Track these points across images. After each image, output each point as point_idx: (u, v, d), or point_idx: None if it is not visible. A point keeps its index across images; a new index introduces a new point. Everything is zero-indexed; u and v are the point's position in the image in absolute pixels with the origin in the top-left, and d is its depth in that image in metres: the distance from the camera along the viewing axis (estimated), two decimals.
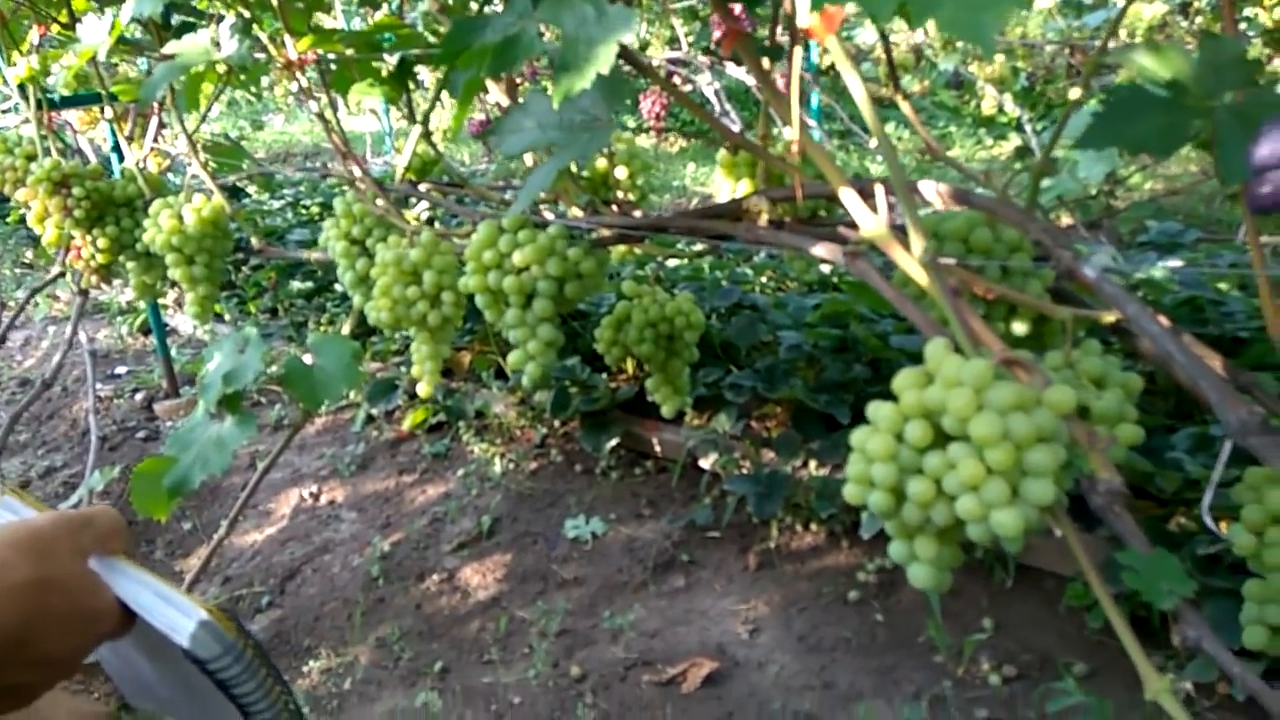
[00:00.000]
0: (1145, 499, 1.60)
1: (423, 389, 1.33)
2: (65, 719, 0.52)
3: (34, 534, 0.44)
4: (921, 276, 0.69)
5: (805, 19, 0.68)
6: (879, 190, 0.74)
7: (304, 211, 4.65)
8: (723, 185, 1.24)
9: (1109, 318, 0.82)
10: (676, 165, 6.05)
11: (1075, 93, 0.93)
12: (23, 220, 5.41)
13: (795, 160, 0.77)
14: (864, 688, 1.43)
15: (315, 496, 2.23)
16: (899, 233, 0.72)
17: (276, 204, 4.77)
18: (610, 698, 1.45)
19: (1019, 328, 0.96)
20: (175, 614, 0.44)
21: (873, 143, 3.03)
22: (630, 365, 2.47)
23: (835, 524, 1.78)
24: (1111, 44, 0.83)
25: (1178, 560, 0.65)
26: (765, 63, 0.91)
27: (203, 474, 1.29)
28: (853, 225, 0.82)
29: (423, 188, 1.41)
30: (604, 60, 0.60)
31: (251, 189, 5.00)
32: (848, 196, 0.73)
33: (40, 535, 0.44)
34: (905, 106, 1.09)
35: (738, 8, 1.12)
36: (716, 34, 2.14)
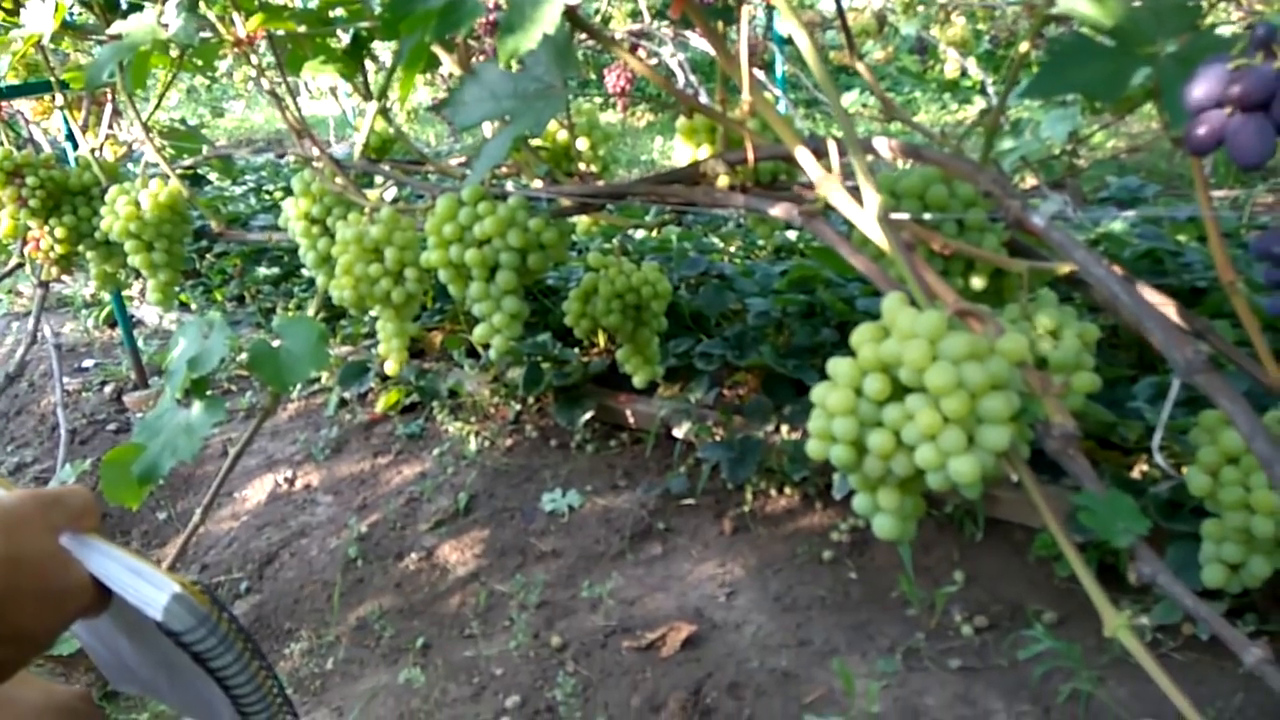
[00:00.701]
0: (1110, 449, 1.63)
1: (390, 367, 1.33)
2: (39, 698, 0.52)
3: (4, 511, 0.44)
4: (876, 232, 0.70)
5: None
6: (832, 148, 0.75)
7: (267, 197, 4.59)
8: (683, 151, 1.24)
9: (1065, 269, 0.83)
10: (644, 139, 6.03)
11: (1024, 46, 0.94)
12: None
13: (748, 121, 0.78)
14: (839, 644, 1.45)
15: (290, 481, 2.22)
16: (854, 191, 0.72)
17: (238, 190, 4.71)
18: (591, 664, 1.46)
19: (977, 282, 0.97)
20: (148, 588, 0.44)
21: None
22: (601, 339, 2.47)
23: (808, 486, 1.80)
24: None
25: (1133, 500, 0.66)
26: (720, 27, 0.91)
27: (172, 460, 1.28)
28: (805, 186, 0.82)
29: (384, 166, 1.40)
30: (548, 19, 0.60)
31: (213, 176, 4.93)
32: (802, 155, 0.73)
33: (9, 512, 0.44)
34: (862, 68, 1.09)
35: None
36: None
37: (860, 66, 1.09)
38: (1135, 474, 1.57)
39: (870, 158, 0.81)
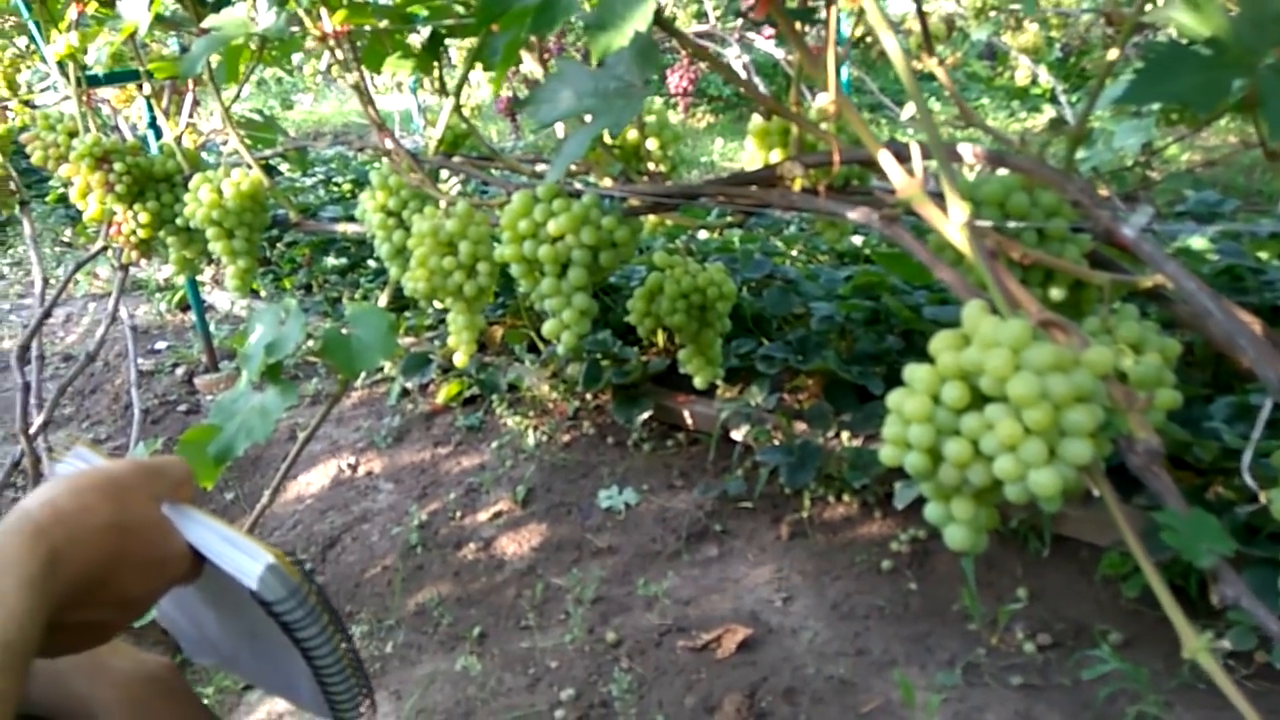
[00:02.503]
0: (1184, 469, 1.59)
1: (459, 359, 1.34)
2: (130, 665, 0.54)
3: (113, 479, 0.46)
4: (959, 240, 0.69)
5: None
6: (915, 152, 0.74)
7: (336, 188, 4.68)
8: (755, 154, 1.24)
9: (1147, 282, 0.81)
10: (704, 140, 6.02)
11: (1113, 54, 0.92)
12: (61, 199, 5.50)
13: (831, 123, 0.77)
14: (897, 655, 1.43)
15: (353, 468, 2.26)
16: (936, 197, 0.72)
17: (309, 181, 4.81)
18: (646, 662, 1.47)
19: (1055, 293, 0.95)
20: (243, 558, 0.46)
21: (904, 115, 3.00)
22: (661, 338, 2.47)
23: (868, 494, 1.79)
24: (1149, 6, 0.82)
25: (1216, 520, 0.65)
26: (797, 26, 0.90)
27: (247, 442, 1.32)
28: (889, 192, 0.82)
29: (455, 160, 1.42)
30: (641, 17, 0.60)
31: (284, 167, 5.04)
32: (885, 159, 0.72)
33: (119, 481, 0.46)
34: (941, 74, 1.08)
35: None
36: (745, 4, 2.13)
37: (939, 71, 1.08)
38: (1210, 495, 1.53)
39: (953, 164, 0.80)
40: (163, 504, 0.48)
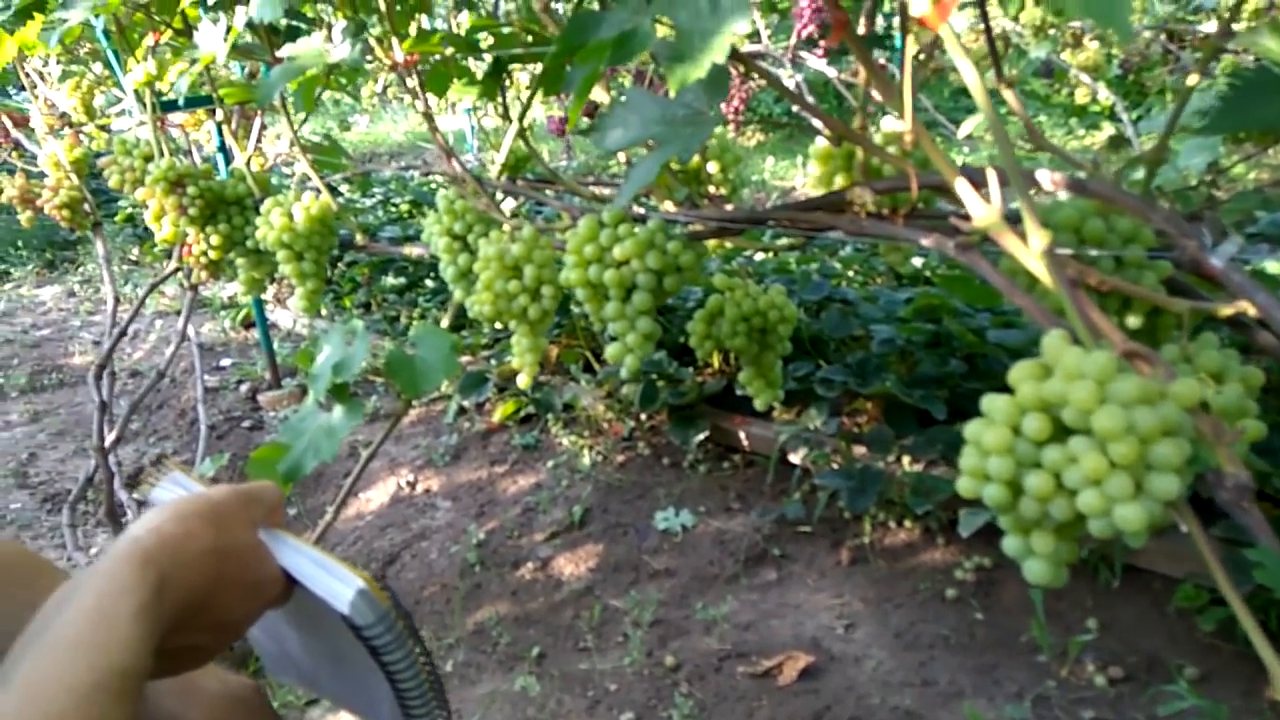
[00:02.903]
0: (1262, 500, 1.54)
1: (522, 380, 1.36)
2: (218, 686, 0.55)
3: (214, 506, 0.47)
4: (1039, 268, 0.68)
5: (919, 7, 0.68)
6: (992, 179, 0.73)
7: (394, 209, 4.77)
8: (817, 176, 1.24)
9: (1227, 310, 0.79)
10: (755, 159, 6.02)
11: (1193, 79, 0.90)
12: (129, 219, 5.65)
13: (907, 151, 0.77)
14: (965, 686, 1.41)
15: (411, 485, 2.29)
16: (1011, 222, 0.71)
17: (368, 202, 4.90)
18: (706, 688, 1.46)
19: (1132, 321, 0.93)
20: (335, 582, 0.47)
21: (960, 132, 2.96)
22: (716, 359, 2.47)
23: (930, 521, 1.76)
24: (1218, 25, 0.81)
25: None
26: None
27: (315, 460, 1.34)
28: (960, 217, 0.81)
29: (519, 184, 1.44)
30: (719, 50, 0.60)
31: (344, 187, 5.15)
32: (961, 187, 0.72)
33: (219, 507, 0.48)
34: (1009, 95, 1.07)
35: None
36: (800, 26, 2.12)
37: (1009, 96, 1.07)
38: None
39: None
40: (259, 529, 0.49)
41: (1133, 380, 0.61)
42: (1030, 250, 0.69)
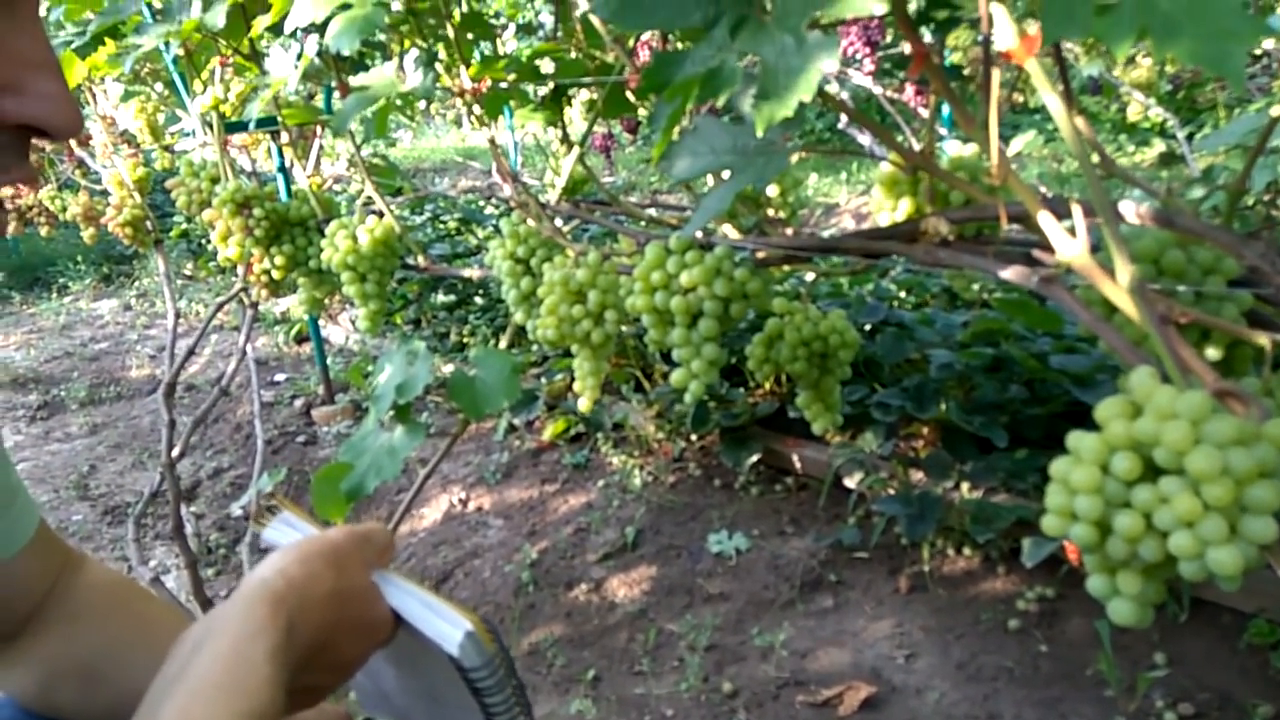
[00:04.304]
0: None
1: (583, 404, 1.36)
2: (313, 715, 0.56)
3: (334, 548, 0.48)
4: (1127, 304, 0.67)
5: (1005, 42, 0.68)
6: (1077, 213, 0.73)
7: (442, 226, 4.83)
8: (882, 202, 1.23)
9: None
10: (798, 176, 6.01)
11: (1277, 109, 0.89)
12: (184, 234, 5.77)
13: (996, 184, 0.76)
14: None
15: (464, 503, 2.31)
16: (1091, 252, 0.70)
17: (418, 219, 4.97)
18: (764, 716, 1.45)
19: (1212, 353, 0.91)
20: (444, 625, 0.47)
21: (1009, 151, 2.94)
22: (769, 381, 2.46)
23: (991, 549, 1.73)
24: None
25: None
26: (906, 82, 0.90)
27: (377, 480, 1.36)
28: (1039, 246, 0.80)
29: (580, 209, 1.45)
30: (806, 88, 0.60)
31: (394, 205, 5.21)
32: (1045, 220, 0.71)
33: (339, 549, 0.49)
34: (1082, 123, 1.05)
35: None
36: (847, 43, 2.11)
37: (1081, 123, 1.06)
38: None
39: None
40: (371, 570, 0.50)
41: (1228, 420, 0.60)
42: (1118, 285, 0.68)
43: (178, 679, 0.40)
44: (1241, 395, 0.67)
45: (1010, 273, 0.80)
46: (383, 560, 0.51)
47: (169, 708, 0.38)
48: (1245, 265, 0.74)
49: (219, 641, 0.41)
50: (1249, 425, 0.62)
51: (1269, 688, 1.38)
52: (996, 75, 0.71)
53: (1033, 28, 0.67)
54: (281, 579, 0.44)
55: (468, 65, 1.31)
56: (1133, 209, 0.76)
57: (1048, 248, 0.76)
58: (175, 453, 2.02)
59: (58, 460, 3.07)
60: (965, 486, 1.81)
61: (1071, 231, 0.76)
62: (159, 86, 2.99)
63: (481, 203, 5.12)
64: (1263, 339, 0.81)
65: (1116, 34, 0.46)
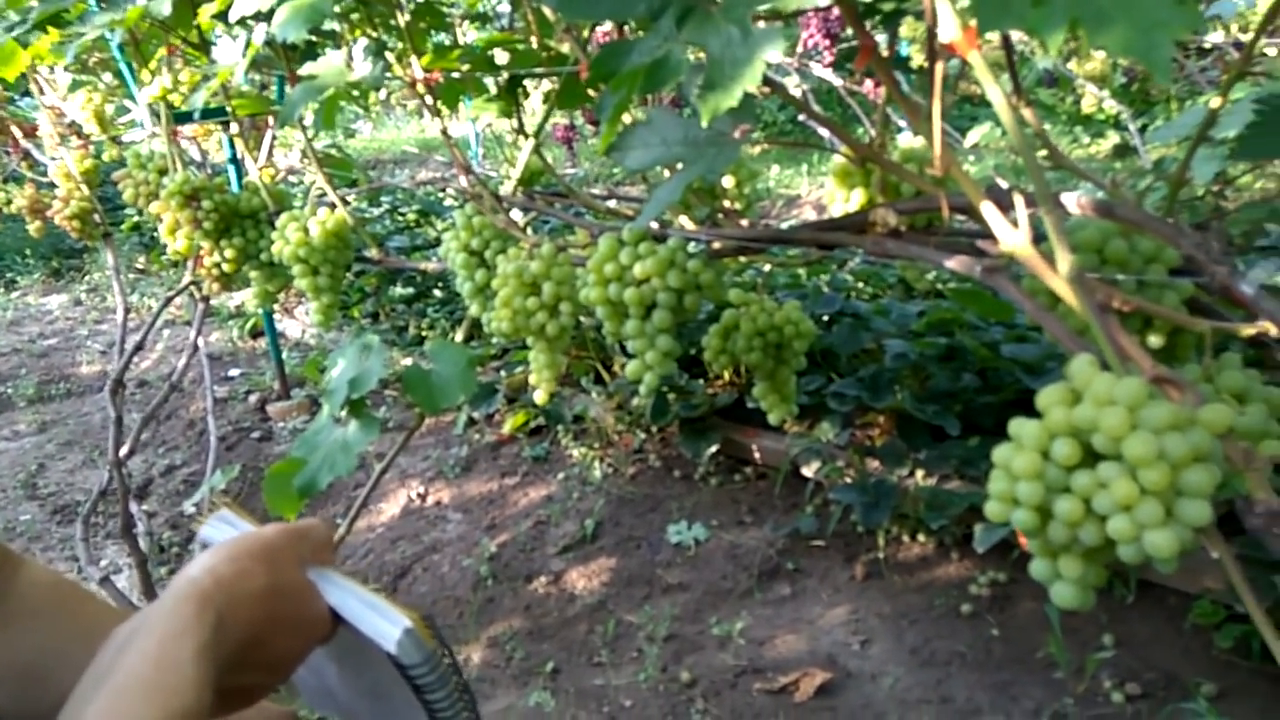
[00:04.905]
0: None
1: (539, 396, 1.36)
2: (254, 714, 0.55)
3: (267, 544, 0.48)
4: (1067, 292, 0.68)
5: (948, 34, 0.68)
6: (1019, 203, 0.74)
7: (401, 218, 4.78)
8: (834, 193, 1.24)
9: (1249, 330, 0.79)
10: (759, 167, 6.03)
11: (1216, 102, 0.91)
12: (136, 228, 5.64)
13: (936, 177, 0.77)
14: (982, 703, 1.40)
15: (423, 497, 2.29)
16: (1035, 241, 0.71)
17: (376, 211, 4.91)
18: (722, 704, 1.46)
19: (1154, 341, 0.93)
20: (382, 622, 0.47)
21: (966, 142, 2.98)
22: (728, 372, 2.47)
23: (945, 535, 1.76)
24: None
25: None
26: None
27: (330, 476, 1.34)
28: (984, 238, 0.81)
29: (535, 201, 1.44)
30: (750, 79, 0.61)
31: (351, 196, 5.15)
32: (989, 211, 0.72)
33: (271, 545, 0.48)
34: (1029, 114, 1.07)
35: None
36: (806, 35, 2.13)
37: (1028, 114, 1.07)
38: None
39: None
40: (308, 567, 0.50)
41: (1164, 406, 0.61)
42: (1058, 274, 0.69)
43: (104, 678, 0.39)
44: (1178, 381, 0.68)
45: (954, 263, 0.81)
46: (321, 557, 0.51)
47: (94, 708, 0.38)
48: (1183, 255, 0.76)
49: (145, 640, 0.40)
50: (1184, 411, 0.64)
51: (1213, 666, 1.42)
52: (940, 67, 0.72)
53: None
54: (210, 577, 0.44)
55: (420, 55, 1.29)
56: (1074, 200, 0.77)
57: (993, 238, 0.77)
58: (125, 450, 1.99)
59: (5, 459, 3.00)
60: (920, 474, 1.84)
61: (1014, 222, 0.77)
62: (107, 76, 2.92)
63: (441, 195, 5.08)
64: (1202, 326, 0.83)
65: (1049, 25, 0.47)
